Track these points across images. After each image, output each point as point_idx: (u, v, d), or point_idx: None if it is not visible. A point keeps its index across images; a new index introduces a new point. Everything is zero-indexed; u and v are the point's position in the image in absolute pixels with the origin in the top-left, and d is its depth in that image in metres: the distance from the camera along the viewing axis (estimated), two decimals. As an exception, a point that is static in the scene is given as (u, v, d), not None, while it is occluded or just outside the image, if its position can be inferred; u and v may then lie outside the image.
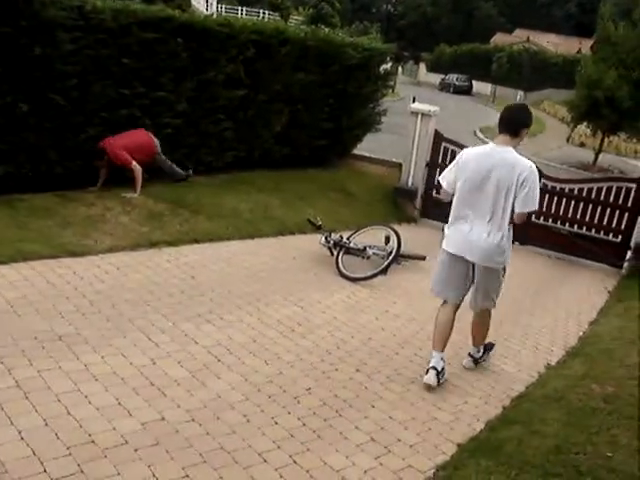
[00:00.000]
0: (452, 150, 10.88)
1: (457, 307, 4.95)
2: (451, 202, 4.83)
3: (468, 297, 5.01)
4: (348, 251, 7.49)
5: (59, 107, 7.19)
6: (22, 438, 3.34)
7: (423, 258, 8.19)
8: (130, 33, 7.68)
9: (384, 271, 7.15)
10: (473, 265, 4.80)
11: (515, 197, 4.48)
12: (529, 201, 4.49)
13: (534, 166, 4.54)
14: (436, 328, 4.92)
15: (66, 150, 7.46)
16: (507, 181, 4.47)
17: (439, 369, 4.81)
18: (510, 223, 4.63)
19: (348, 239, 7.63)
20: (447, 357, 5.07)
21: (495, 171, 4.49)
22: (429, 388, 4.77)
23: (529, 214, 4.73)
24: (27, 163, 7.19)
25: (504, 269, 4.93)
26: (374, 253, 7.46)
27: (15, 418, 3.48)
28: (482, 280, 4.87)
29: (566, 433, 4.09)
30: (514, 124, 4.61)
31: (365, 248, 7.48)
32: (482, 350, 5.39)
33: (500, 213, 4.56)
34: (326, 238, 7.64)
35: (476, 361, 5.37)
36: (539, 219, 10.16)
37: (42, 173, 7.38)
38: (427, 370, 4.82)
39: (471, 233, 4.67)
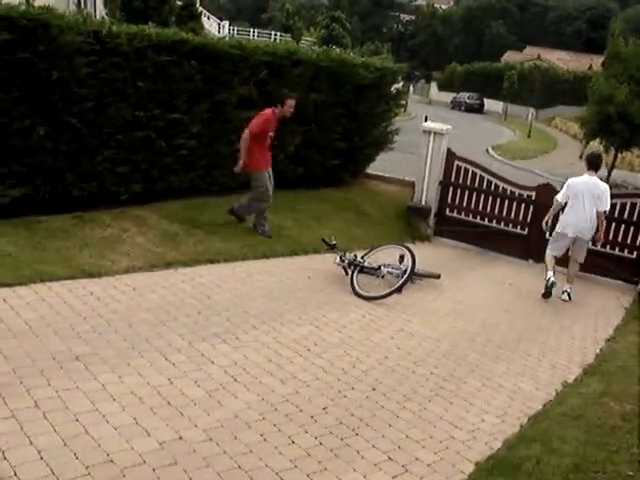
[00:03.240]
0: (465, 168, 10.92)
1: (557, 257, 8.76)
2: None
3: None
4: (362, 270, 7.49)
5: (75, 130, 7.27)
6: (41, 458, 3.36)
7: (438, 276, 8.18)
8: (145, 56, 7.78)
9: (399, 290, 7.14)
10: (573, 240, 8.59)
11: (599, 202, 8.33)
12: (606, 204, 8.42)
13: (608, 186, 8.57)
14: (548, 263, 8.67)
15: (82, 172, 7.54)
16: (596, 193, 8.35)
17: (553, 278, 8.41)
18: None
19: (362, 258, 7.63)
20: (464, 376, 5.13)
21: (590, 188, 8.37)
22: (552, 283, 8.37)
23: (604, 211, 8.47)
24: (44, 185, 7.26)
25: (588, 241, 8.72)
26: (389, 272, 7.46)
27: (34, 438, 3.51)
28: (578, 246, 8.71)
29: (585, 452, 4.07)
30: (596, 165, 8.64)
31: (380, 267, 7.48)
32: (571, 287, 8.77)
33: (593, 211, 8.38)
34: (340, 257, 7.65)
35: (569, 295, 8.68)
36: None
37: (59, 195, 7.46)
38: (547, 279, 8.42)
39: (578, 221, 8.43)
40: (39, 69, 6.83)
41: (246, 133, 7.96)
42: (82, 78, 7.20)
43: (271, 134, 8.28)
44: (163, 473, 3.44)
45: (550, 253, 8.79)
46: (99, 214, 7.62)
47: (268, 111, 8.14)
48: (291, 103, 8.20)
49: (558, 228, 8.71)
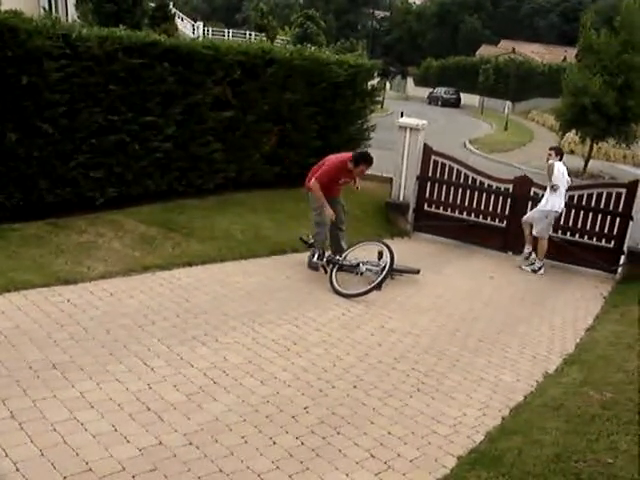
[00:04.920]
0: (442, 163, 10.94)
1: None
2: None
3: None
4: (341, 268, 7.49)
5: (48, 135, 7.19)
6: (18, 470, 3.31)
7: (417, 272, 8.19)
8: (116, 59, 7.71)
9: (378, 286, 7.14)
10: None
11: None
12: None
13: None
14: (545, 249, 9.74)
15: (56, 178, 7.45)
16: (568, 177, 9.80)
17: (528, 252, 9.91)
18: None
19: (341, 256, 7.62)
20: (445, 371, 5.16)
21: (565, 171, 9.70)
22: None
23: None
24: (17, 192, 7.18)
25: None
26: (367, 269, 7.45)
27: (10, 449, 3.45)
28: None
29: (566, 441, 4.09)
30: (562, 154, 9.85)
31: (358, 264, 7.47)
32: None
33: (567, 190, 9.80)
34: (319, 256, 7.63)
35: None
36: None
37: (33, 202, 7.37)
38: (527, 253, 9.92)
39: (562, 200, 9.57)
40: (8, 74, 6.75)
41: (314, 183, 7.50)
42: (53, 82, 7.11)
43: (341, 181, 7.76)
44: (143, 479, 3.40)
45: (545, 236, 9.74)
46: (74, 220, 7.54)
47: (342, 160, 7.58)
48: (363, 169, 7.62)
49: (551, 207, 9.53)
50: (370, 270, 7.43)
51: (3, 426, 3.66)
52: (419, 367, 5.48)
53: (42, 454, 3.47)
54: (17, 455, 3.42)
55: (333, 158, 7.75)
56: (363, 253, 7.81)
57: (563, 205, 9.62)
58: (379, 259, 7.53)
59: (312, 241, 7.89)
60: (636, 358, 5.80)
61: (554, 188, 9.47)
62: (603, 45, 20.03)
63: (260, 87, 9.70)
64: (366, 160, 7.60)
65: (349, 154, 7.70)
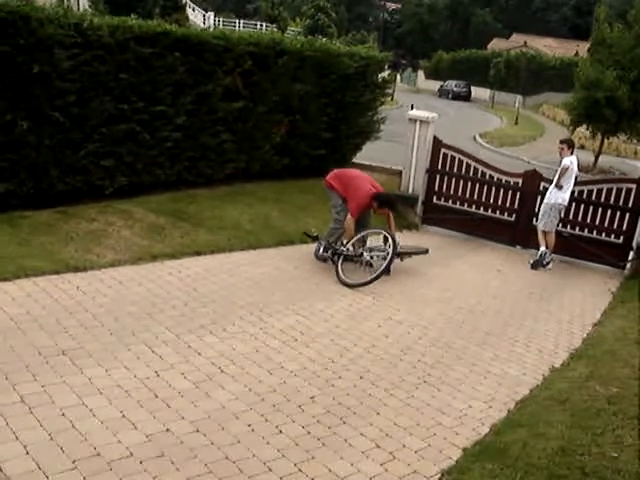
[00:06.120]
0: (452, 156, 10.90)
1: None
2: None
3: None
4: (347, 258, 7.50)
5: (58, 124, 7.22)
6: (27, 453, 3.36)
7: (426, 251, 8.22)
8: (127, 48, 7.73)
9: (387, 271, 7.19)
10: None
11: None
12: None
13: None
14: (549, 240, 9.60)
15: (67, 166, 7.50)
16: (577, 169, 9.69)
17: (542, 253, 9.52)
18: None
19: (346, 246, 7.61)
20: (451, 363, 5.20)
21: (576, 164, 9.56)
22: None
23: None
24: (28, 180, 7.22)
25: None
26: (373, 256, 7.48)
27: (20, 433, 3.50)
28: None
29: (571, 435, 4.10)
30: (574, 146, 9.79)
31: (362, 253, 7.49)
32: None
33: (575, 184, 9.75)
34: (326, 248, 7.65)
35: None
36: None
37: (43, 190, 7.41)
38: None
39: (567, 193, 9.50)
40: (20, 62, 6.78)
41: (349, 221, 7.52)
42: (64, 71, 7.14)
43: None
44: (150, 465, 3.44)
45: (551, 229, 9.62)
46: (84, 208, 7.60)
47: (369, 196, 7.55)
48: (385, 211, 7.80)
49: (555, 200, 9.48)
50: (378, 256, 7.46)
51: (13, 410, 3.71)
52: (425, 359, 5.49)
53: (51, 438, 3.51)
54: (27, 439, 3.46)
55: (362, 188, 7.59)
56: (369, 241, 7.79)
57: (567, 198, 9.53)
58: (385, 244, 7.54)
59: (316, 234, 7.89)
60: (643, 354, 5.80)
61: (559, 186, 9.41)
62: (616, 39, 19.87)
63: (271, 78, 9.70)
64: (390, 205, 7.83)
65: (374, 190, 7.62)
